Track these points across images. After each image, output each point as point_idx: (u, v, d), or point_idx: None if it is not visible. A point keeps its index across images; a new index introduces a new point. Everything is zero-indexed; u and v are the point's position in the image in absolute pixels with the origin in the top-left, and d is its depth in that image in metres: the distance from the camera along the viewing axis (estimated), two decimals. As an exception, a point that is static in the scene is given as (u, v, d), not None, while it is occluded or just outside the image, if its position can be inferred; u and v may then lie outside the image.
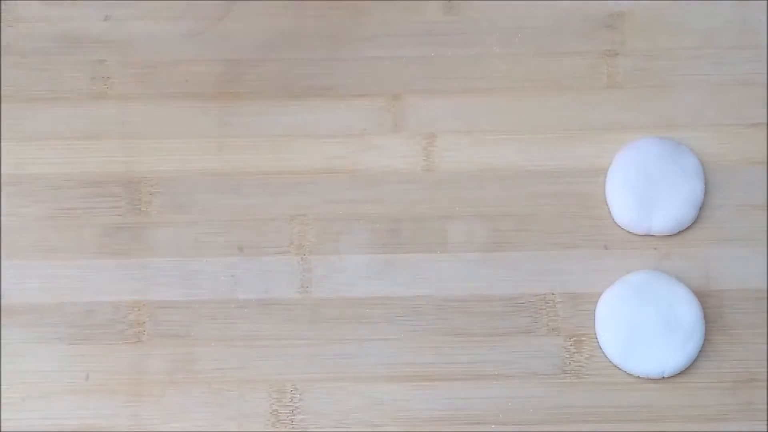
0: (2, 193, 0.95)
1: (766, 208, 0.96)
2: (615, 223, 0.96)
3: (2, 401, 0.91)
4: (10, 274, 0.94)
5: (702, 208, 0.96)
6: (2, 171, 0.96)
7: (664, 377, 0.92)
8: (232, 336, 0.93)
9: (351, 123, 0.97)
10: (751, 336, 0.94)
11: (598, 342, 0.93)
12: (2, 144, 0.96)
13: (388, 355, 0.93)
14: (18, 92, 0.98)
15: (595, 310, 0.94)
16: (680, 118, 0.98)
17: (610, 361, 0.93)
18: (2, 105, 0.97)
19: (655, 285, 0.93)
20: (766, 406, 0.92)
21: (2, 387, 0.92)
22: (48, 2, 0.99)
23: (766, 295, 0.94)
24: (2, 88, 0.98)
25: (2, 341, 0.92)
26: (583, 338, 0.93)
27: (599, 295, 0.94)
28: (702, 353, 0.93)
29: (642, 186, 0.95)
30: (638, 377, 0.92)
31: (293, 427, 0.91)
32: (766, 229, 0.96)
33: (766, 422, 0.92)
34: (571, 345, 0.93)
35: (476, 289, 0.94)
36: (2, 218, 0.95)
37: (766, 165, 0.97)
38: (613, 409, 0.92)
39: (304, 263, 0.94)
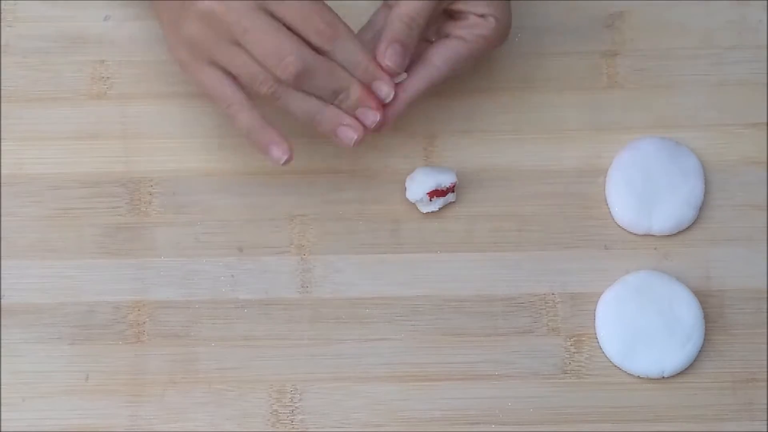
0: (2, 193, 0.95)
1: (766, 208, 0.96)
2: (615, 223, 0.96)
3: (2, 401, 0.91)
4: (10, 274, 0.94)
5: (702, 208, 0.96)
6: (2, 171, 0.96)
7: (664, 377, 0.92)
8: (232, 336, 0.93)
9: (351, 123, 0.97)
10: (751, 336, 0.94)
11: (598, 342, 0.93)
12: (2, 144, 0.96)
13: (388, 355, 0.93)
14: (18, 92, 0.98)
15: (595, 310, 0.93)
16: (680, 118, 0.98)
17: (610, 361, 0.93)
18: (2, 105, 0.97)
19: (655, 285, 0.93)
20: (766, 406, 0.92)
21: (2, 387, 0.91)
22: (48, 2, 0.99)
23: (766, 295, 0.94)
24: (2, 88, 0.97)
25: (2, 341, 0.92)
26: (583, 338, 0.93)
27: (599, 295, 0.94)
28: (702, 353, 0.93)
29: (642, 186, 0.95)
30: (638, 377, 0.92)
31: (293, 427, 0.91)
32: (766, 229, 0.96)
33: (766, 422, 0.92)
34: (571, 345, 0.93)
35: (476, 289, 0.94)
36: (2, 218, 0.95)
37: (766, 165, 0.97)
38: (613, 409, 0.92)
39: (304, 263, 0.94)
